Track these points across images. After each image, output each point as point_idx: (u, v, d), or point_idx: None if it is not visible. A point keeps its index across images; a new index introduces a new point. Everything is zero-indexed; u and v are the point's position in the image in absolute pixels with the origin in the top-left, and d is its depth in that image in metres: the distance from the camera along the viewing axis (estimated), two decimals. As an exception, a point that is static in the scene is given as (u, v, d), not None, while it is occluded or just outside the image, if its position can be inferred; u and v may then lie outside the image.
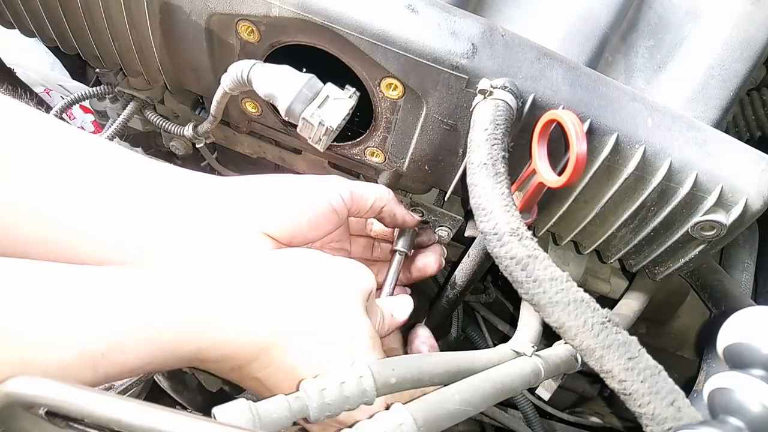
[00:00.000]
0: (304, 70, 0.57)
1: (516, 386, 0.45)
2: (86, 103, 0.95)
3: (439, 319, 0.75)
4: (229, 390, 0.75)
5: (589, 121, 0.53)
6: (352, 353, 0.42)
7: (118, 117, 0.78)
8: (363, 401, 0.38)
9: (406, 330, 0.58)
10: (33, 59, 1.20)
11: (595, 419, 0.99)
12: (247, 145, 0.79)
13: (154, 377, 0.72)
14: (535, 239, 0.43)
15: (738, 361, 0.33)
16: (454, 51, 0.51)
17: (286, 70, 0.56)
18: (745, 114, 0.86)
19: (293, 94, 0.54)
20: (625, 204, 0.57)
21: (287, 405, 0.36)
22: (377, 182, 0.71)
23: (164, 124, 0.78)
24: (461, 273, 0.65)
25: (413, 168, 0.64)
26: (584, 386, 1.01)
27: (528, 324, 0.58)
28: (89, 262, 0.37)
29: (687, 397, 0.40)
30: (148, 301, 0.36)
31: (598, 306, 0.42)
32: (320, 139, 0.56)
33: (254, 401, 0.36)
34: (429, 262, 0.65)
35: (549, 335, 0.50)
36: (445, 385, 0.42)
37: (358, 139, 0.64)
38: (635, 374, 0.40)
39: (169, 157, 0.92)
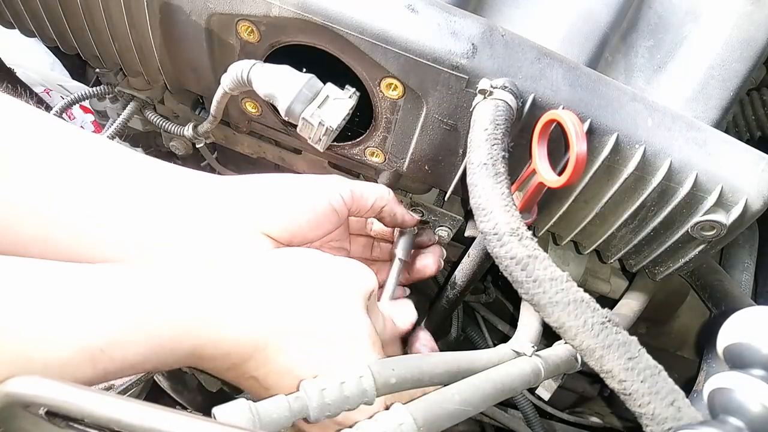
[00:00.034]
0: (304, 70, 0.57)
1: (516, 386, 0.45)
2: (86, 103, 0.95)
3: (439, 319, 0.75)
4: (229, 390, 0.75)
5: (589, 121, 0.53)
6: (352, 353, 0.42)
7: (118, 117, 0.78)
8: (363, 401, 0.38)
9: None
10: (33, 59, 1.20)
11: (595, 419, 0.99)
12: (247, 145, 0.79)
13: (154, 377, 0.72)
14: (535, 239, 0.43)
15: (738, 361, 0.33)
16: (454, 51, 0.51)
17: (286, 70, 0.56)
18: (745, 114, 0.86)
19: (293, 94, 0.54)
20: (625, 204, 0.57)
21: (287, 405, 0.36)
22: (377, 182, 0.71)
23: (164, 124, 0.78)
24: (461, 273, 0.65)
25: (413, 168, 0.64)
26: (584, 386, 1.01)
27: (528, 324, 0.58)
28: (89, 262, 0.37)
29: (687, 397, 0.40)
30: (147, 297, 0.36)
31: (598, 306, 0.42)
32: (320, 139, 0.56)
33: (254, 401, 0.36)
34: (428, 263, 0.65)
35: (549, 335, 0.50)
36: (445, 385, 0.42)
37: (358, 139, 0.64)
38: (635, 374, 0.40)
39: (169, 157, 0.92)
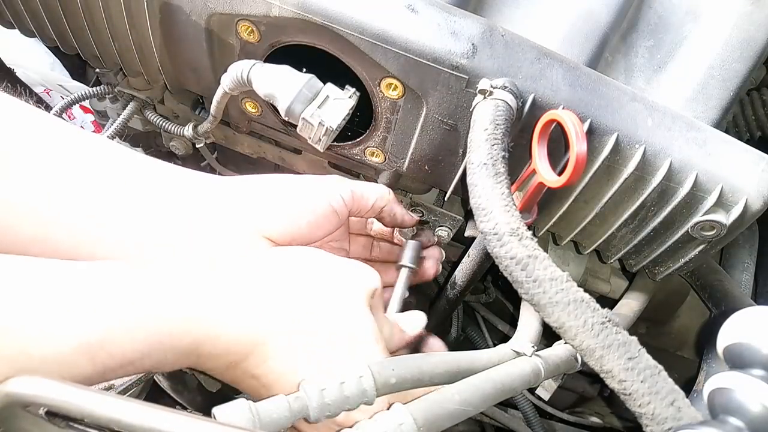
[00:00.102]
0: (304, 70, 0.57)
1: (516, 386, 0.45)
2: (86, 103, 0.95)
3: (439, 319, 0.75)
4: (229, 390, 0.75)
5: (589, 121, 0.53)
6: (353, 352, 0.42)
7: (118, 117, 0.78)
8: (363, 401, 0.38)
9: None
10: (33, 59, 1.20)
11: (595, 419, 0.99)
12: (247, 145, 0.79)
13: (155, 377, 0.72)
14: (535, 239, 0.43)
15: (738, 361, 0.33)
16: (454, 51, 0.51)
17: (286, 70, 0.56)
18: (745, 114, 0.86)
19: (293, 94, 0.54)
20: (625, 204, 0.57)
21: (287, 405, 0.36)
22: (377, 182, 0.71)
23: (164, 124, 0.78)
24: (461, 273, 0.65)
25: (413, 168, 0.64)
26: (584, 386, 1.01)
27: (528, 324, 0.58)
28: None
29: (687, 397, 0.40)
30: (146, 294, 0.36)
31: (598, 306, 0.42)
32: (320, 139, 0.56)
33: (254, 401, 0.36)
34: (427, 266, 0.64)
35: (549, 335, 0.50)
36: (445, 385, 0.42)
37: (358, 139, 0.64)
38: (635, 374, 0.40)
39: (169, 157, 0.92)
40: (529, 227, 0.46)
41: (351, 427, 0.38)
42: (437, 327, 0.76)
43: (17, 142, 0.41)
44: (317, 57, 0.56)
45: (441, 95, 0.54)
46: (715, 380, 0.33)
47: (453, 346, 1.01)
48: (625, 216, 0.58)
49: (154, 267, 0.39)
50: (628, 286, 0.75)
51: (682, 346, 0.94)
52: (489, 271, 0.69)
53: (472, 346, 1.03)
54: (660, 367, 0.40)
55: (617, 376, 0.40)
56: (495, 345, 0.54)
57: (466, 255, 0.63)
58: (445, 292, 0.69)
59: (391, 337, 0.49)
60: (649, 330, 0.91)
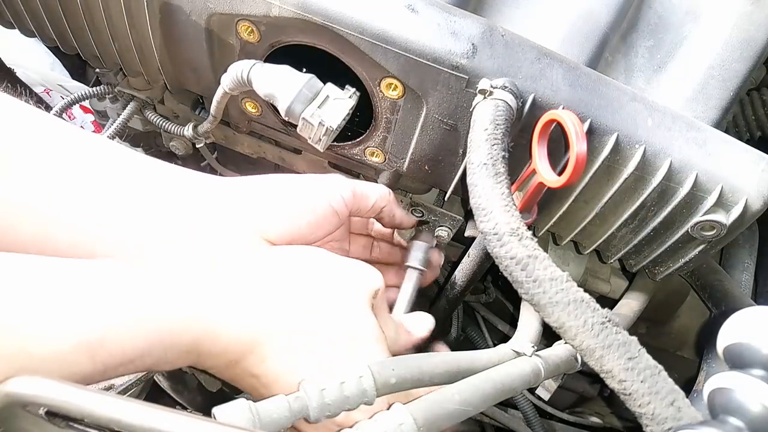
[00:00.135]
0: (304, 70, 0.57)
1: (516, 386, 0.45)
2: (86, 103, 0.95)
3: (439, 319, 0.75)
4: (229, 390, 0.75)
5: (589, 121, 0.53)
6: (355, 352, 0.42)
7: (118, 117, 0.78)
8: (363, 401, 0.38)
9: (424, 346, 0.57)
10: (33, 59, 1.20)
11: (595, 419, 0.99)
12: (247, 145, 0.79)
13: (155, 377, 0.72)
14: (535, 239, 0.43)
15: (738, 361, 0.33)
16: (454, 51, 0.51)
17: (286, 70, 0.56)
18: (745, 114, 0.86)
19: (293, 94, 0.54)
20: (625, 204, 0.57)
21: (287, 405, 0.36)
22: (377, 182, 0.71)
23: (164, 124, 0.78)
24: (461, 273, 0.65)
25: (413, 168, 0.64)
26: (584, 386, 1.01)
27: (528, 324, 0.58)
28: None
29: (687, 397, 0.40)
30: (146, 291, 0.36)
31: (598, 306, 0.42)
32: (320, 139, 0.56)
33: (254, 401, 0.36)
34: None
35: (549, 335, 0.50)
36: (445, 385, 0.42)
37: (358, 139, 0.64)
38: (635, 374, 0.40)
39: (169, 157, 0.92)
40: (529, 227, 0.46)
41: (351, 427, 0.38)
42: (437, 327, 0.76)
43: (17, 142, 0.40)
44: (317, 57, 0.56)
45: (441, 95, 0.54)
46: (715, 380, 0.33)
47: (453, 346, 1.00)
48: (625, 216, 0.58)
49: (154, 265, 0.39)
50: (628, 286, 0.75)
51: (682, 346, 0.94)
52: (489, 271, 0.69)
53: (472, 346, 1.03)
54: (660, 367, 0.40)
55: (617, 376, 0.40)
56: (495, 345, 0.54)
57: (466, 255, 0.63)
58: (445, 292, 0.69)
59: (397, 338, 0.49)
60: (649, 330, 0.91)
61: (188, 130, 0.74)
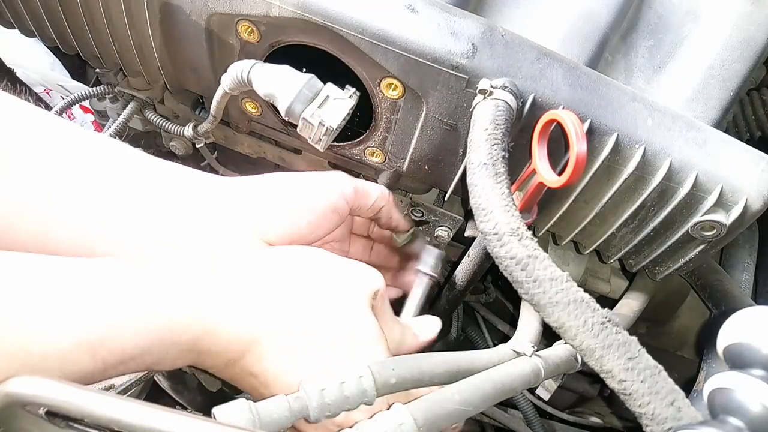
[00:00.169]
0: (304, 70, 0.57)
1: (516, 386, 0.45)
2: (86, 103, 0.95)
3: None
4: (229, 390, 0.75)
5: (589, 121, 0.53)
6: (355, 353, 0.42)
7: (118, 117, 0.78)
8: (363, 401, 0.38)
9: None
10: (33, 59, 1.20)
11: (595, 419, 0.99)
12: (247, 145, 0.79)
13: (155, 377, 0.72)
14: (535, 239, 0.43)
15: (738, 361, 0.33)
16: (454, 51, 0.51)
17: (286, 70, 0.56)
18: (745, 114, 0.86)
19: (293, 94, 0.54)
20: (625, 204, 0.57)
21: (287, 405, 0.36)
22: (377, 182, 0.71)
23: (164, 124, 0.78)
24: (461, 273, 0.65)
25: (413, 168, 0.64)
26: (584, 386, 1.01)
27: (528, 324, 0.58)
28: None
29: (687, 397, 0.40)
30: (146, 290, 0.36)
31: (598, 306, 0.42)
32: (320, 139, 0.56)
33: (254, 401, 0.36)
34: (411, 279, 0.63)
35: (549, 335, 0.50)
36: (445, 385, 0.42)
37: (358, 139, 0.64)
38: (635, 374, 0.40)
39: (169, 157, 0.91)
40: (529, 227, 0.46)
41: (351, 427, 0.38)
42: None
43: (17, 140, 0.40)
44: (317, 57, 0.56)
45: (441, 95, 0.54)
46: (715, 380, 0.33)
47: (453, 346, 1.01)
48: (625, 216, 0.58)
49: (154, 264, 0.39)
50: (628, 286, 0.75)
51: (682, 346, 0.94)
52: (489, 271, 0.69)
53: (472, 346, 1.03)
54: (660, 367, 0.40)
55: (617, 376, 0.40)
56: (495, 345, 0.54)
57: (466, 255, 0.63)
58: (445, 292, 0.69)
59: (403, 341, 0.49)
60: (649, 330, 0.91)
61: (188, 130, 0.74)
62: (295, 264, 0.45)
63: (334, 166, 0.78)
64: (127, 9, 0.60)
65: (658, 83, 0.63)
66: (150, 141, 0.96)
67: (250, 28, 0.57)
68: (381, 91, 0.57)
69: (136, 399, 0.30)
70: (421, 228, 0.75)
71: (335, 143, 0.65)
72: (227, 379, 0.43)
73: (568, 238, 0.64)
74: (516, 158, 0.54)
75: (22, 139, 0.41)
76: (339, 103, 0.55)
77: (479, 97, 0.51)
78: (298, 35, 0.56)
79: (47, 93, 1.26)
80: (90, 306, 0.33)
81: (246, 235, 0.47)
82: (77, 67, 1.21)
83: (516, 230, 0.43)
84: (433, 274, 0.60)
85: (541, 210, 0.61)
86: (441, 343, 0.99)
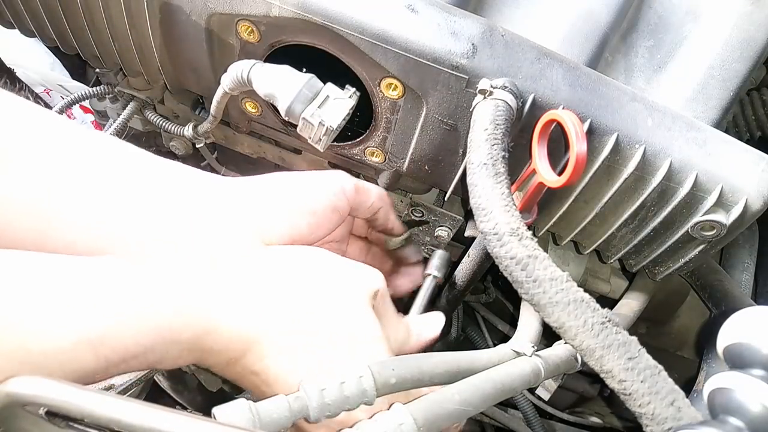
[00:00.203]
0: (304, 70, 0.57)
1: (516, 386, 0.45)
2: (86, 103, 0.95)
3: (439, 319, 0.75)
4: (229, 390, 0.75)
5: (589, 121, 0.53)
6: (356, 352, 0.42)
7: (118, 117, 0.78)
8: (363, 401, 0.38)
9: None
10: (33, 59, 1.20)
11: (595, 419, 0.99)
12: (247, 145, 0.79)
13: (155, 377, 0.72)
14: (535, 239, 0.43)
15: (738, 361, 0.33)
16: (454, 51, 0.51)
17: (286, 70, 0.56)
18: (745, 114, 0.86)
19: (293, 94, 0.54)
20: (625, 204, 0.57)
21: (287, 405, 0.36)
22: (377, 182, 0.71)
23: (164, 124, 0.78)
24: (461, 273, 0.65)
25: (413, 168, 0.64)
26: (584, 386, 1.01)
27: (528, 324, 0.58)
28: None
29: (687, 397, 0.40)
30: (148, 287, 0.36)
31: (598, 306, 0.42)
32: (320, 139, 0.56)
33: (255, 401, 0.36)
34: (402, 283, 0.64)
35: (549, 335, 0.50)
36: (445, 385, 0.42)
37: (358, 139, 0.64)
38: (635, 374, 0.40)
39: (169, 157, 0.91)
40: (529, 227, 0.46)
41: (351, 427, 0.38)
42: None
43: (17, 138, 0.40)
44: (317, 57, 0.56)
45: (441, 95, 0.54)
46: (715, 380, 0.33)
47: (453, 346, 1.01)
48: (625, 216, 0.58)
49: (155, 262, 0.39)
50: (628, 286, 0.75)
51: (682, 346, 0.94)
52: (489, 271, 0.69)
53: (472, 346, 1.03)
54: (660, 367, 0.41)
55: (617, 376, 0.40)
56: (495, 345, 0.54)
57: (466, 255, 0.63)
58: (445, 292, 0.69)
59: (407, 338, 0.49)
60: (649, 330, 0.91)
61: (188, 130, 0.74)
62: (296, 263, 0.45)
63: (334, 166, 0.78)
64: (127, 9, 0.60)
65: (658, 83, 0.63)
66: (150, 141, 0.96)
67: (250, 28, 0.57)
68: (381, 91, 0.57)
69: (136, 399, 0.30)
70: (420, 228, 0.75)
71: (335, 143, 0.65)
72: (229, 378, 0.43)
73: (568, 238, 0.65)
74: (516, 158, 0.54)
75: (22, 136, 0.41)
76: (339, 103, 0.55)
77: (479, 97, 0.51)
78: (298, 35, 0.56)
79: (47, 93, 1.26)
80: (91, 303, 0.33)
81: (246, 235, 0.47)
82: (77, 67, 1.21)
83: (516, 230, 0.43)
84: (438, 275, 0.61)
85: (541, 210, 0.61)
86: (441, 343, 0.99)
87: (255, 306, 0.40)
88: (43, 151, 0.41)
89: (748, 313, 0.33)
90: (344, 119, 0.56)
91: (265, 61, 0.59)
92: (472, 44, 0.52)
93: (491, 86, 0.50)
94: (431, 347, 0.54)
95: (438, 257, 0.62)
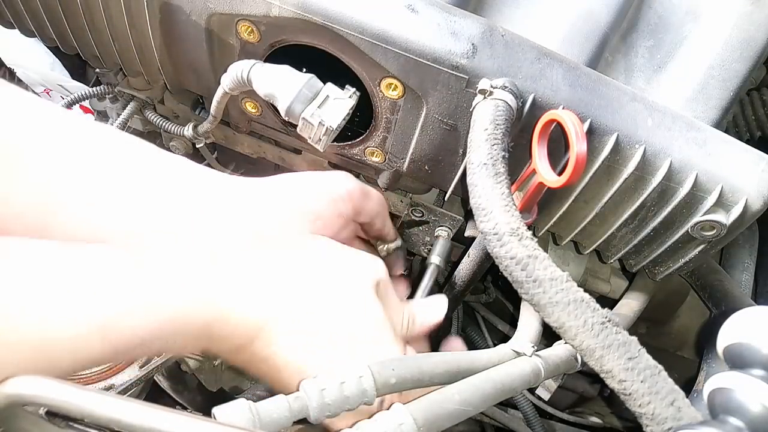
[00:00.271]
0: (304, 70, 0.57)
1: (516, 386, 0.45)
2: (86, 103, 0.95)
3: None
4: (229, 390, 0.75)
5: (589, 121, 0.53)
6: (362, 339, 0.43)
7: (118, 117, 0.78)
8: (363, 401, 0.38)
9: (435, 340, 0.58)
10: (33, 59, 1.20)
11: (595, 419, 0.99)
12: (247, 145, 0.79)
13: (155, 377, 0.72)
14: (535, 239, 0.43)
15: (738, 361, 0.33)
16: (454, 51, 0.51)
17: (286, 70, 0.56)
18: (745, 114, 0.86)
19: (293, 94, 0.54)
20: (625, 204, 0.57)
21: (287, 405, 0.36)
22: (377, 182, 0.71)
23: (164, 124, 0.78)
24: (461, 273, 0.65)
25: (413, 168, 0.64)
26: (584, 386, 1.01)
27: (528, 324, 0.58)
28: None
29: (687, 397, 0.40)
30: (154, 274, 0.37)
31: (598, 306, 0.42)
32: (320, 139, 0.56)
33: (254, 401, 0.36)
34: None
35: (549, 335, 0.50)
36: (445, 385, 0.42)
37: (358, 139, 0.64)
38: (635, 374, 0.40)
39: (169, 157, 0.91)
40: (529, 227, 0.46)
41: (351, 427, 0.38)
42: (437, 327, 0.76)
43: (19, 130, 0.40)
44: (317, 57, 0.56)
45: (441, 95, 0.54)
46: (715, 380, 0.33)
47: (453, 346, 1.00)
48: (625, 216, 0.58)
49: (162, 250, 0.40)
50: (628, 286, 0.75)
51: (682, 346, 0.94)
52: (489, 271, 0.69)
53: (472, 346, 1.03)
54: (660, 367, 0.41)
55: (617, 376, 0.40)
56: (495, 345, 0.54)
57: (466, 255, 0.63)
58: (445, 292, 0.69)
59: (412, 324, 0.50)
60: (649, 330, 0.91)
61: (188, 130, 0.74)
62: (301, 251, 0.45)
63: (334, 166, 0.78)
64: (127, 9, 0.60)
65: (658, 83, 0.63)
66: (150, 141, 0.96)
67: (250, 28, 0.57)
68: (381, 91, 0.57)
69: (136, 399, 0.30)
70: (420, 228, 0.75)
71: (335, 143, 0.65)
72: (238, 366, 0.43)
73: (568, 238, 0.64)
74: (516, 158, 0.54)
75: (24, 128, 0.41)
76: (339, 103, 0.55)
77: (479, 97, 0.51)
78: (298, 35, 0.56)
79: (47, 93, 1.26)
80: (101, 290, 0.34)
81: (246, 233, 0.47)
82: (77, 67, 1.21)
83: (516, 230, 0.43)
84: (439, 264, 0.63)
85: (541, 210, 0.61)
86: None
87: (262, 292, 0.41)
88: (44, 142, 0.41)
89: (748, 313, 0.33)
90: (344, 119, 0.56)
91: (265, 61, 0.59)
92: (472, 44, 0.52)
93: (491, 86, 0.50)
94: (436, 330, 0.54)
95: (440, 245, 0.63)
